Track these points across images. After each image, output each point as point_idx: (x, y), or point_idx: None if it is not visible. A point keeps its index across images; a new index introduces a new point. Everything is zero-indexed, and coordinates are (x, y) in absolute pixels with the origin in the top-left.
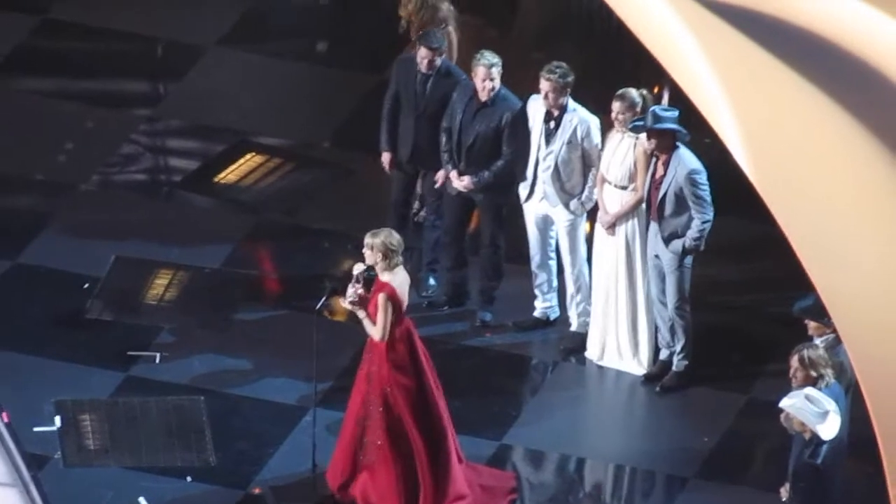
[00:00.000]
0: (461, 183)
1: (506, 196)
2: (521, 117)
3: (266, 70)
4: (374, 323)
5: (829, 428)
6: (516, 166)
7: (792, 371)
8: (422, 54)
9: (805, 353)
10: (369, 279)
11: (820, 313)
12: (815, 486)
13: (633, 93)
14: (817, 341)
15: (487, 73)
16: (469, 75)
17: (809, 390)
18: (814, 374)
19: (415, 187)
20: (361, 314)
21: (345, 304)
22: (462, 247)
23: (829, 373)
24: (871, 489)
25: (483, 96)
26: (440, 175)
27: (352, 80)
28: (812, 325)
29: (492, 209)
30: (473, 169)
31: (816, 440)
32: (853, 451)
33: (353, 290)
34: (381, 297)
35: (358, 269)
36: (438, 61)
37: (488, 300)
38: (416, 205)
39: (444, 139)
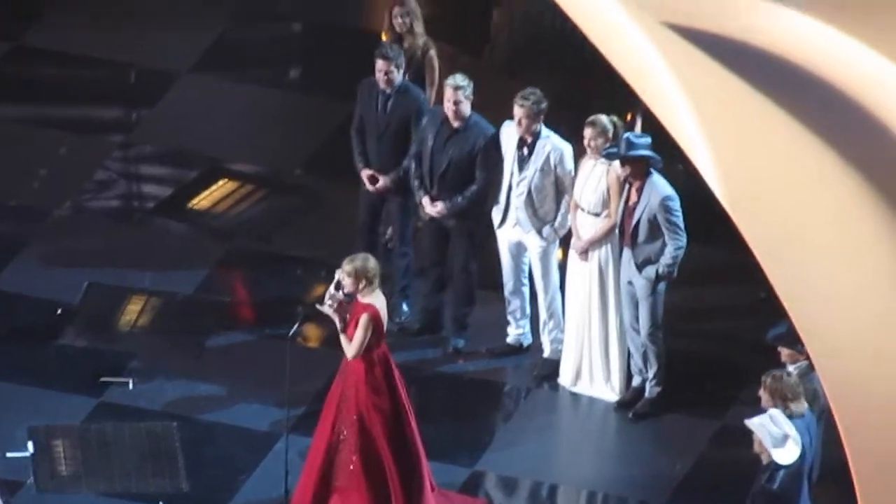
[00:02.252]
0: (434, 209)
1: (478, 222)
2: (494, 143)
3: (239, 96)
4: (349, 340)
5: (787, 454)
6: (489, 192)
7: (762, 399)
8: (378, 66)
9: (769, 382)
10: (346, 299)
11: (793, 341)
12: None
13: (604, 119)
14: (791, 368)
15: (454, 95)
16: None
17: (774, 411)
18: (777, 402)
19: (381, 212)
20: (339, 324)
21: (322, 307)
22: (441, 272)
23: (797, 402)
24: None
25: (450, 118)
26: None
27: (324, 108)
28: (785, 352)
29: (464, 235)
30: (446, 195)
31: (774, 465)
32: (825, 477)
33: (333, 295)
34: (364, 317)
35: (339, 274)
36: (398, 77)
37: (461, 326)
38: (389, 231)
39: (413, 165)
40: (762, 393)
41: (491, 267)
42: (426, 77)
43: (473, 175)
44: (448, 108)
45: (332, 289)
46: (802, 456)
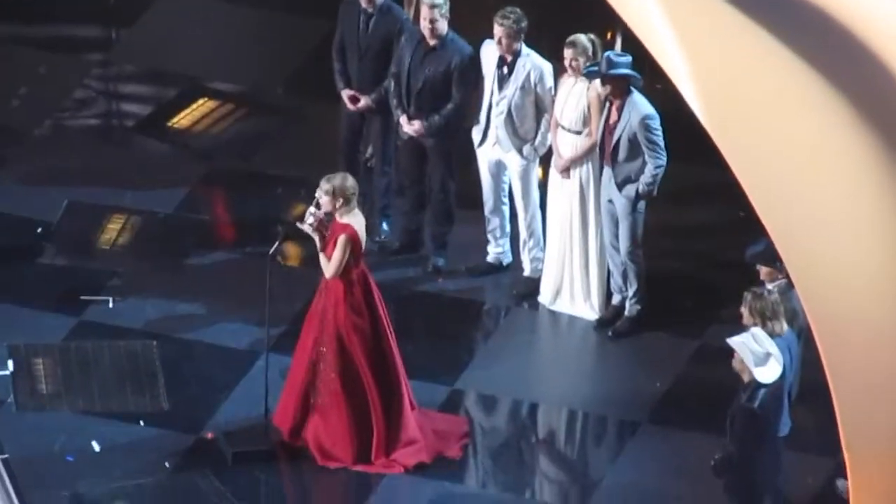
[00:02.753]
0: (411, 127)
1: (455, 140)
2: (471, 62)
3: (219, 15)
4: (328, 260)
5: (768, 372)
6: (466, 111)
7: (741, 317)
8: None
9: (749, 300)
10: (325, 218)
11: (772, 258)
12: (750, 429)
13: (584, 38)
14: (770, 286)
15: (429, 13)
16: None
17: (756, 329)
18: (757, 320)
19: (362, 131)
20: (318, 243)
21: (303, 226)
22: (421, 190)
23: (776, 321)
24: (821, 434)
25: (427, 36)
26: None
27: (305, 26)
28: (764, 270)
29: (442, 154)
30: (423, 113)
31: (755, 383)
32: (804, 397)
33: (313, 213)
34: (341, 238)
35: (320, 193)
36: None
37: (441, 245)
38: (370, 150)
39: (392, 84)
40: (742, 310)
41: (471, 186)
42: None
43: (450, 94)
44: (424, 26)
45: (312, 208)
46: (783, 374)
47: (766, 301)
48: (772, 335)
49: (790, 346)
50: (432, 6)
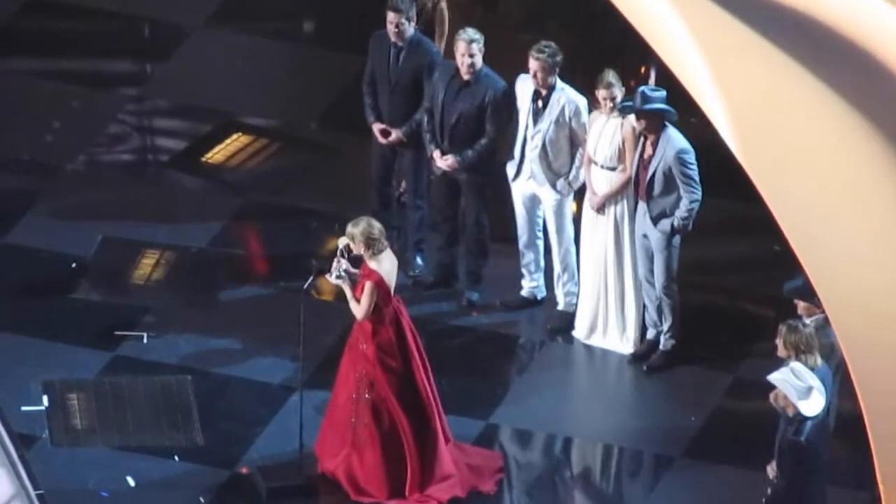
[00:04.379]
0: (445, 162)
1: (489, 175)
2: (505, 96)
3: (253, 50)
4: (358, 302)
5: (813, 405)
6: (499, 145)
7: (777, 349)
8: (389, 18)
9: (784, 333)
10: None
11: (809, 294)
12: (799, 463)
13: (611, 76)
14: (807, 321)
15: (467, 49)
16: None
17: (795, 364)
18: (791, 353)
19: (393, 166)
20: (348, 291)
21: (331, 279)
22: (454, 225)
23: (810, 355)
24: (857, 468)
25: (463, 71)
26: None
27: (339, 61)
28: (801, 305)
29: (476, 188)
30: (456, 148)
31: (800, 417)
32: (840, 431)
33: (338, 264)
34: (368, 284)
35: (342, 243)
36: (409, 29)
37: (475, 280)
38: (403, 184)
39: (425, 119)
40: (777, 342)
41: (505, 220)
42: (436, 29)
43: (484, 128)
44: (461, 61)
45: (337, 258)
46: (827, 407)
47: (801, 334)
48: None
49: (824, 379)
50: (470, 41)
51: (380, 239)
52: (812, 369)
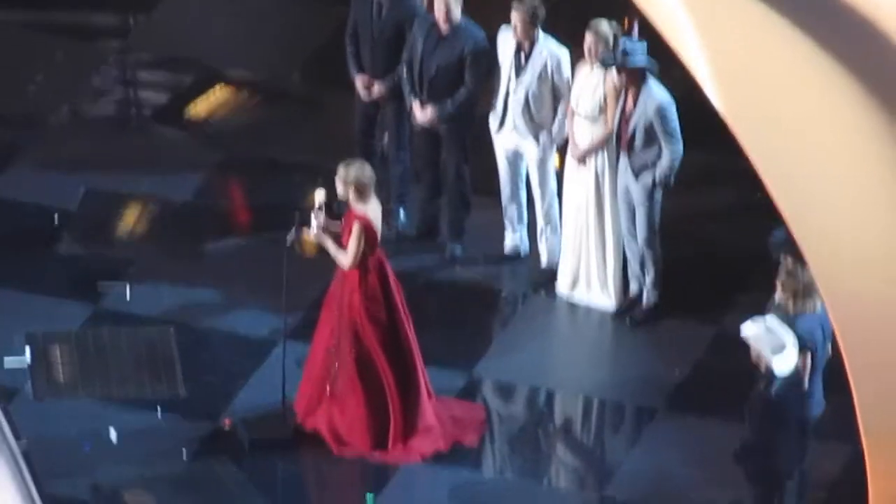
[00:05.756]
0: (423, 114)
1: (469, 127)
2: (484, 47)
3: (236, 2)
4: (344, 250)
5: (784, 362)
6: (478, 97)
7: (780, 285)
8: None
9: (783, 278)
10: (337, 208)
11: (792, 246)
12: (768, 417)
13: (605, 25)
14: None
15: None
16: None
17: (770, 320)
18: (789, 298)
19: (376, 119)
20: (328, 243)
21: (310, 235)
22: (436, 177)
23: (808, 299)
24: (840, 418)
25: (440, 21)
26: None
27: (322, 13)
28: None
29: (456, 140)
30: (436, 100)
31: (772, 372)
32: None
33: (316, 219)
34: (356, 227)
35: (319, 196)
36: None
37: (458, 233)
38: (386, 137)
39: (404, 70)
40: (777, 282)
41: (488, 173)
42: None
43: (463, 79)
44: (438, 10)
45: (315, 212)
46: (813, 352)
47: (798, 279)
48: (803, 312)
49: (823, 323)
50: None
51: (369, 185)
52: (812, 312)
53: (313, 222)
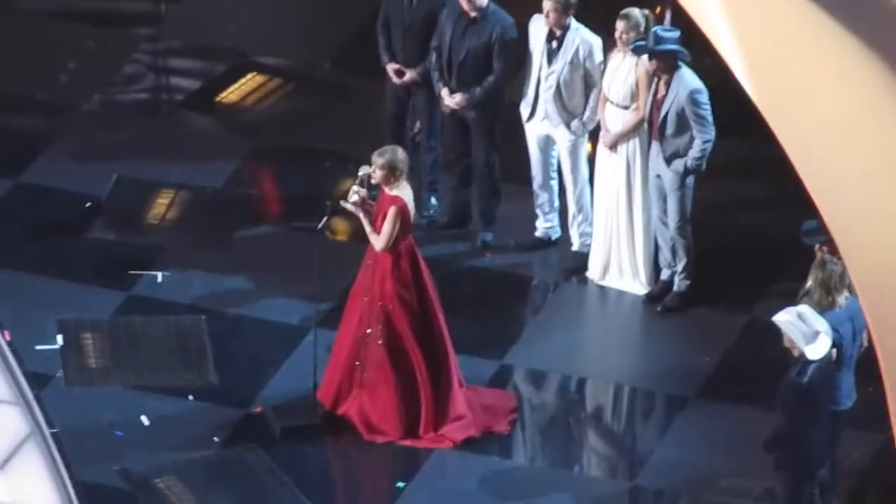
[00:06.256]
0: (452, 100)
1: (498, 113)
2: (512, 33)
3: None
4: (377, 233)
5: (818, 349)
6: (507, 83)
7: (813, 275)
8: None
9: (815, 271)
10: (370, 192)
11: (824, 234)
12: (800, 405)
13: (637, 13)
14: (837, 259)
15: None
16: None
17: (803, 308)
18: (821, 292)
19: (407, 107)
20: (366, 222)
21: (346, 204)
22: (467, 164)
23: (839, 293)
24: (871, 407)
25: (467, 7)
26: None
27: (354, 1)
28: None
29: (484, 127)
30: (465, 86)
31: (804, 359)
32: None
33: (357, 191)
34: (392, 210)
35: (363, 171)
36: None
37: (489, 220)
38: (417, 125)
39: (434, 57)
40: (809, 277)
41: (520, 161)
42: None
43: (492, 66)
44: (465, 2)
45: (355, 185)
46: (841, 347)
47: (829, 272)
48: (833, 307)
49: (854, 317)
50: None
51: (403, 170)
52: (842, 306)
53: (352, 192)
